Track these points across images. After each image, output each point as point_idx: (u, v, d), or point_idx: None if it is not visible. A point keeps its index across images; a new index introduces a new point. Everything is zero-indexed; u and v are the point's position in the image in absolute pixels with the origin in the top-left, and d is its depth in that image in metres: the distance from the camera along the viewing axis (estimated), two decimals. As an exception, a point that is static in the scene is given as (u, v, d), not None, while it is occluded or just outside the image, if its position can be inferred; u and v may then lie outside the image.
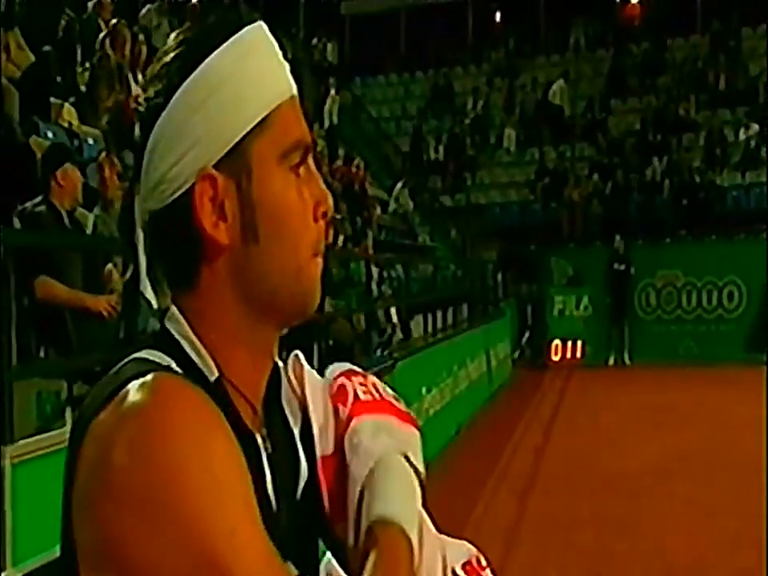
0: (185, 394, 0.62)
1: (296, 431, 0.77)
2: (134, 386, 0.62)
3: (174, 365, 0.67)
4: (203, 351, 0.69)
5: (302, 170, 0.71)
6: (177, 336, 0.70)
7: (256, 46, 0.70)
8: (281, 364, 0.78)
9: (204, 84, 0.68)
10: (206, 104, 0.68)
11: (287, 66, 0.73)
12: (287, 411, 0.77)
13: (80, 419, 0.64)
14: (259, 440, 0.71)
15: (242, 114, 0.68)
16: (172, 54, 0.70)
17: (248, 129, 0.69)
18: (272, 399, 0.75)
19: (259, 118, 0.69)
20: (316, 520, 0.76)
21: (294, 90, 0.73)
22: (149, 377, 0.63)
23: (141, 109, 0.71)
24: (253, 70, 0.69)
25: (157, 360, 0.66)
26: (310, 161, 0.73)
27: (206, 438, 0.60)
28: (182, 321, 0.70)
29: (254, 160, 0.69)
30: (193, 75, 0.68)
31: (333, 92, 13.31)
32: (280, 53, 0.72)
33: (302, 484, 0.76)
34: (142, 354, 0.68)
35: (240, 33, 0.70)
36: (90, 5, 6.73)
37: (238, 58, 0.69)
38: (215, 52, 0.68)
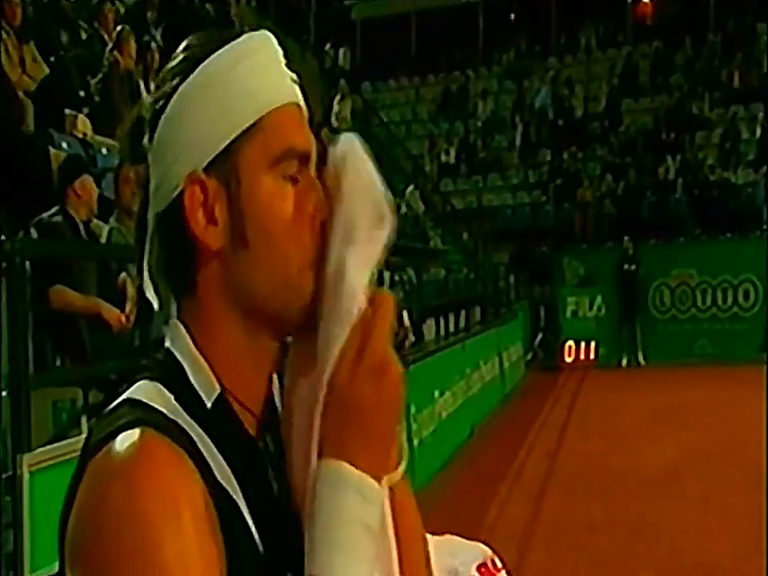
0: (163, 472, 0.61)
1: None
2: (121, 443, 0.62)
3: (172, 399, 0.67)
4: (206, 368, 0.69)
5: (300, 179, 0.70)
6: (180, 358, 0.70)
7: (253, 51, 0.69)
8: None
9: (196, 85, 0.68)
10: (197, 105, 0.68)
11: (291, 75, 0.71)
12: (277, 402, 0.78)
13: (84, 451, 0.65)
14: (263, 447, 0.72)
15: (232, 117, 0.68)
16: (177, 60, 0.71)
17: (237, 133, 0.68)
18: (270, 399, 0.76)
19: (249, 123, 0.68)
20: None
21: (297, 98, 0.71)
22: (136, 437, 0.62)
23: (147, 116, 0.71)
24: (246, 75, 0.68)
25: (152, 404, 0.66)
26: (311, 170, 0.71)
27: (181, 530, 0.60)
28: (186, 336, 0.69)
29: (243, 165, 0.68)
30: (189, 77, 0.68)
31: (344, 97, 13.35)
32: (283, 60, 0.71)
33: None
34: (141, 393, 0.67)
35: (239, 39, 0.69)
36: (101, 17, 6.79)
37: (233, 62, 0.68)
38: (212, 56, 0.69)
